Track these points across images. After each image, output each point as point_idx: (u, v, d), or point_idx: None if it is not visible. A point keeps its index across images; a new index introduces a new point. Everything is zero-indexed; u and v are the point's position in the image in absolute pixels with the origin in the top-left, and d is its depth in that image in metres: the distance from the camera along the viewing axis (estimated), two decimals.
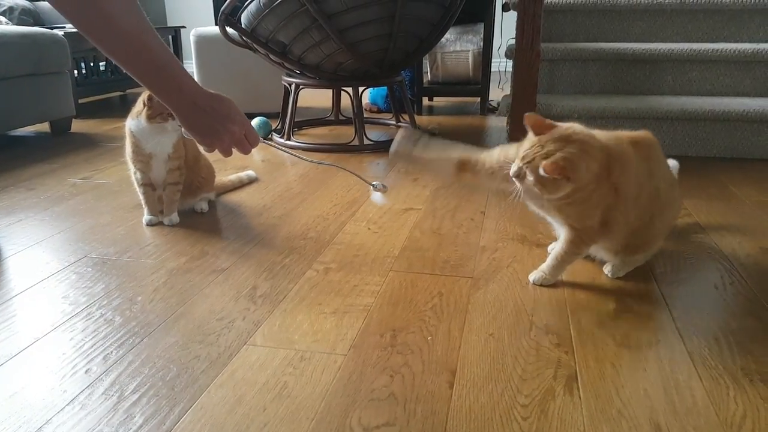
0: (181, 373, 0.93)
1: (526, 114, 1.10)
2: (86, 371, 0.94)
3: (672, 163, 1.42)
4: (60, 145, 2.57)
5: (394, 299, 1.16)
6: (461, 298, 1.16)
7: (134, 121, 1.52)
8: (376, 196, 1.32)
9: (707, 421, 0.81)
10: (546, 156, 1.04)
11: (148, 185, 1.57)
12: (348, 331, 1.04)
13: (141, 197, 1.59)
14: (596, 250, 1.27)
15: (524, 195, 1.14)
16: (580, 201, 1.11)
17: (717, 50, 2.33)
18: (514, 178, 1.10)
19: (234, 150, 1.10)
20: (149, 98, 1.48)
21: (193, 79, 1.00)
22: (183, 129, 1.04)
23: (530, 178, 1.07)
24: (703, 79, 2.42)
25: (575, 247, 1.18)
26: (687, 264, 1.32)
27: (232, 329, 1.06)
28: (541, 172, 1.03)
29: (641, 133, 1.21)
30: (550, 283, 1.21)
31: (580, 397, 0.86)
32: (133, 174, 1.60)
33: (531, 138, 1.10)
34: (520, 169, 1.08)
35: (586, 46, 2.46)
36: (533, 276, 1.23)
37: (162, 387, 0.89)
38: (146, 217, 1.59)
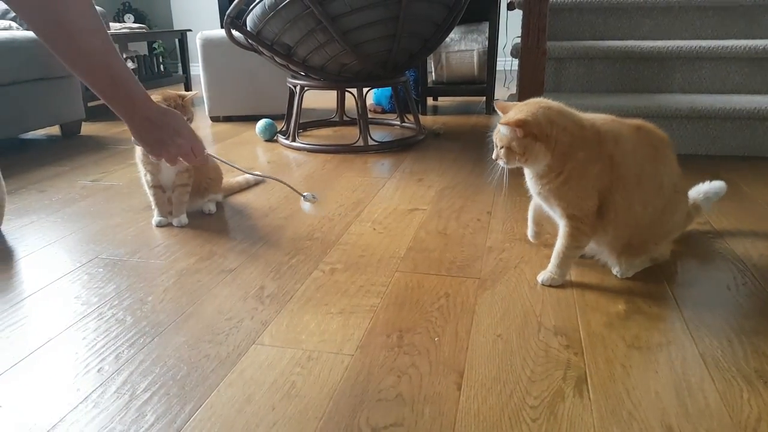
0: (191, 372, 0.93)
1: (495, 101, 1.18)
2: (99, 370, 0.94)
3: (718, 185, 1.41)
4: (70, 148, 2.59)
5: (401, 300, 1.16)
6: (468, 299, 1.16)
7: None
8: (306, 206, 1.50)
9: (720, 424, 0.81)
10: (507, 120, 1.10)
11: (157, 187, 1.59)
12: (355, 332, 1.05)
13: (151, 199, 1.61)
14: (600, 252, 1.26)
15: (530, 186, 1.19)
16: (576, 177, 1.11)
17: (727, 47, 2.32)
18: (497, 161, 1.15)
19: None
20: None
21: (148, 96, 1.06)
22: (133, 138, 1.11)
23: (502, 150, 1.12)
24: (714, 76, 2.40)
25: (575, 240, 1.17)
26: (698, 264, 1.31)
27: (240, 329, 1.06)
28: (501, 129, 1.09)
29: (648, 123, 1.20)
30: (558, 283, 1.21)
31: (590, 399, 0.86)
32: (143, 176, 1.61)
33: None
34: (496, 149, 1.15)
35: (593, 44, 2.46)
36: (541, 276, 1.23)
37: (173, 386, 0.90)
38: (156, 218, 1.60)
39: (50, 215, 1.69)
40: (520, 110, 1.11)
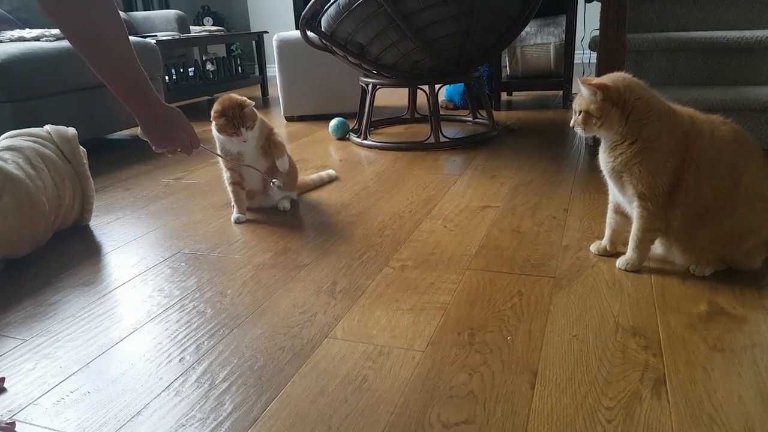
0: (267, 363, 0.97)
1: (578, 77, 1.20)
2: (180, 360, 0.99)
3: None
4: None
5: (472, 298, 1.15)
6: (542, 298, 1.14)
7: (213, 130, 1.64)
8: (274, 191, 1.65)
9: None
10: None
11: (237, 184, 1.67)
12: (425, 328, 1.05)
13: (231, 195, 1.69)
14: (671, 250, 1.23)
15: (603, 167, 1.21)
16: (649, 150, 1.13)
17: None
18: (576, 128, 1.20)
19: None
20: (215, 114, 1.60)
21: (158, 96, 1.18)
22: (140, 131, 1.21)
23: (580, 117, 1.16)
24: None
25: (646, 222, 1.18)
26: None
27: (314, 322, 1.09)
28: (584, 91, 1.15)
29: (737, 127, 1.17)
30: (636, 268, 1.22)
31: (668, 401, 0.83)
32: (224, 173, 1.69)
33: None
34: (575, 115, 1.19)
35: (676, 35, 2.34)
36: (619, 261, 1.24)
37: (250, 376, 0.94)
38: (235, 215, 1.67)
39: (135, 212, 1.79)
40: (603, 78, 1.16)
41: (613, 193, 1.27)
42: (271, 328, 1.08)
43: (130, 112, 1.17)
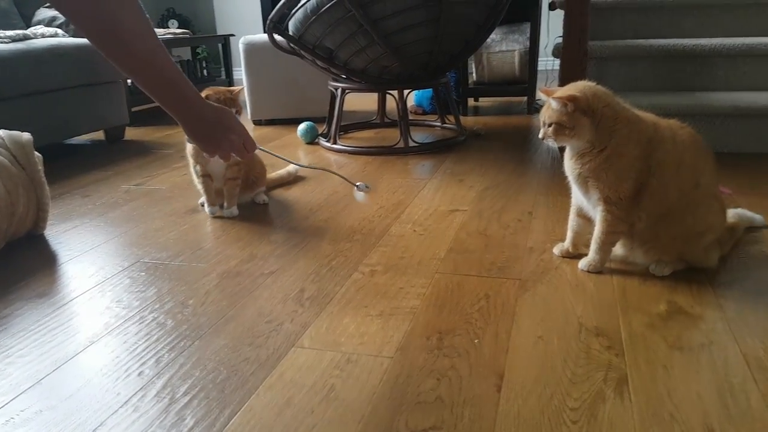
0: (230, 375, 0.95)
1: (539, 88, 1.25)
2: (139, 374, 0.97)
3: (758, 218, 1.44)
4: (114, 153, 2.67)
5: (441, 301, 1.16)
6: (509, 300, 1.15)
7: None
8: (359, 195, 1.52)
9: (764, 425, 0.78)
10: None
11: (206, 176, 1.69)
12: (394, 334, 1.05)
13: (200, 188, 1.71)
14: (633, 252, 1.26)
15: (569, 174, 1.23)
16: (617, 155, 1.15)
17: None
18: (545, 140, 1.20)
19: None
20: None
21: (198, 94, 1.09)
22: (186, 137, 1.13)
23: (551, 128, 1.17)
24: (757, 73, 2.32)
25: (611, 225, 1.20)
26: (740, 263, 1.27)
27: (280, 332, 1.07)
28: (552, 103, 1.15)
29: (692, 129, 1.22)
30: (598, 269, 1.24)
31: (630, 401, 0.84)
32: (193, 167, 1.71)
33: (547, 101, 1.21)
34: (544, 127, 1.19)
35: (635, 43, 2.40)
36: (581, 263, 1.26)
37: (212, 389, 0.92)
38: (208, 208, 1.72)
39: (93, 220, 1.75)
40: (568, 88, 1.17)
41: (577, 197, 1.29)
42: (235, 339, 1.06)
43: (170, 115, 1.07)
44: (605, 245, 1.23)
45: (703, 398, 0.84)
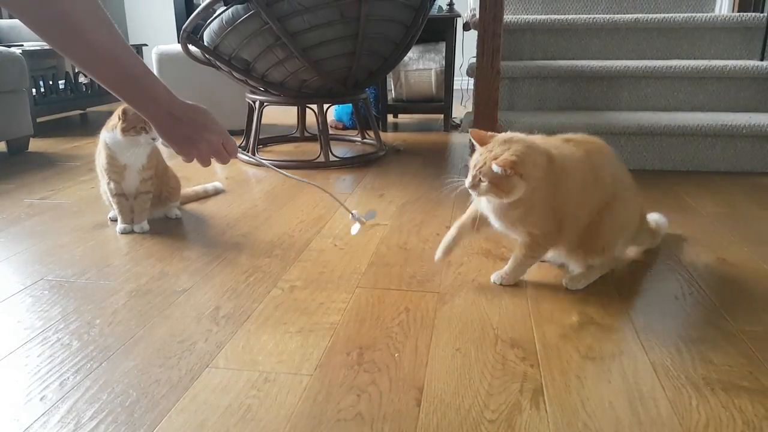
0: (140, 398, 0.90)
1: (470, 129, 1.22)
2: (41, 398, 0.90)
3: (661, 219, 1.51)
4: (16, 165, 2.50)
5: (361, 316, 1.15)
6: (428, 313, 1.16)
7: (109, 133, 1.57)
8: (355, 227, 1.33)
9: (671, 431, 0.82)
10: (495, 157, 1.13)
11: (121, 195, 1.62)
12: (314, 351, 1.03)
13: (114, 207, 1.63)
14: (554, 254, 1.32)
15: (488, 213, 1.23)
16: (539, 205, 1.18)
17: (671, 67, 2.41)
18: (470, 190, 1.18)
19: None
20: (124, 111, 1.52)
21: (169, 90, 1.00)
22: (161, 139, 1.04)
23: (484, 183, 1.14)
24: (659, 94, 2.49)
25: (532, 251, 1.24)
26: (647, 275, 1.35)
27: (193, 352, 1.03)
28: (495, 168, 1.11)
29: (587, 138, 1.29)
30: (509, 283, 1.28)
31: (546, 411, 0.86)
32: (106, 185, 1.63)
33: (478, 149, 1.19)
34: (474, 177, 1.16)
35: (545, 63, 2.52)
36: (494, 276, 1.29)
37: (121, 413, 0.86)
38: (120, 225, 1.64)
39: None
40: (506, 147, 1.14)
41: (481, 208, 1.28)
42: (145, 360, 1.00)
43: (139, 114, 0.97)
44: (523, 266, 1.27)
45: (615, 407, 0.88)
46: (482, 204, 1.25)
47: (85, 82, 3.63)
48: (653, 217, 1.51)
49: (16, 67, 2.62)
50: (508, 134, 1.18)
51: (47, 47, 3.35)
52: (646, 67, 2.43)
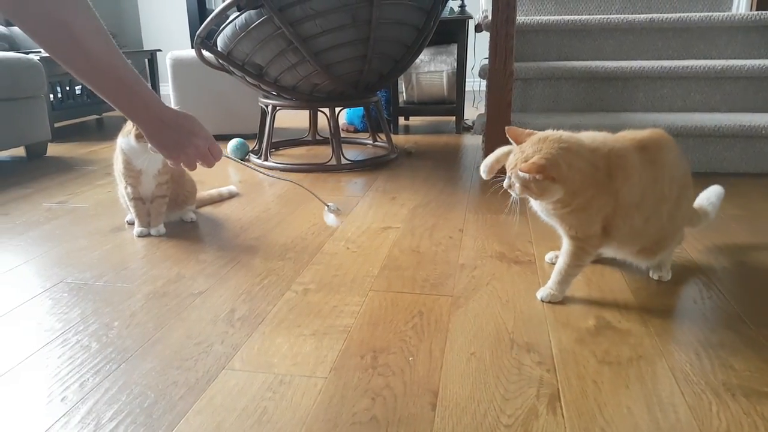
0: (158, 399, 0.91)
1: (507, 127, 1.16)
2: (62, 399, 0.91)
3: (717, 190, 1.46)
4: (35, 170, 2.53)
5: (375, 319, 1.15)
6: (442, 317, 1.16)
7: (124, 139, 1.59)
8: (330, 218, 1.45)
9: None
10: (525, 160, 1.08)
11: (138, 199, 1.64)
12: (328, 353, 1.03)
13: (132, 211, 1.65)
14: (616, 253, 1.29)
15: (534, 205, 1.20)
16: (582, 209, 1.13)
17: (687, 67, 2.39)
18: (508, 190, 1.14)
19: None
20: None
21: (159, 98, 1.05)
22: (150, 144, 1.09)
23: (517, 185, 1.11)
24: (675, 95, 2.47)
25: (577, 259, 1.18)
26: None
27: (210, 354, 1.04)
28: (520, 174, 1.07)
29: (649, 134, 1.22)
30: (558, 300, 1.21)
31: (563, 416, 0.86)
32: (123, 189, 1.65)
33: (514, 148, 1.14)
34: (509, 179, 1.13)
35: (559, 64, 2.51)
36: (540, 293, 1.23)
37: (140, 414, 0.87)
38: (137, 229, 1.66)
39: (13, 239, 1.64)
40: (537, 149, 1.08)
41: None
42: (162, 362, 1.01)
43: (130, 120, 1.02)
44: (568, 277, 1.20)
45: (633, 412, 0.87)
46: (533, 202, 1.21)
47: None
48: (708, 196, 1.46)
49: (34, 73, 2.65)
50: (546, 132, 1.11)
51: None
52: (661, 67, 2.41)
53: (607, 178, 1.12)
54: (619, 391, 0.92)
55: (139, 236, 1.64)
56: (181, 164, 1.14)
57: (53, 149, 2.97)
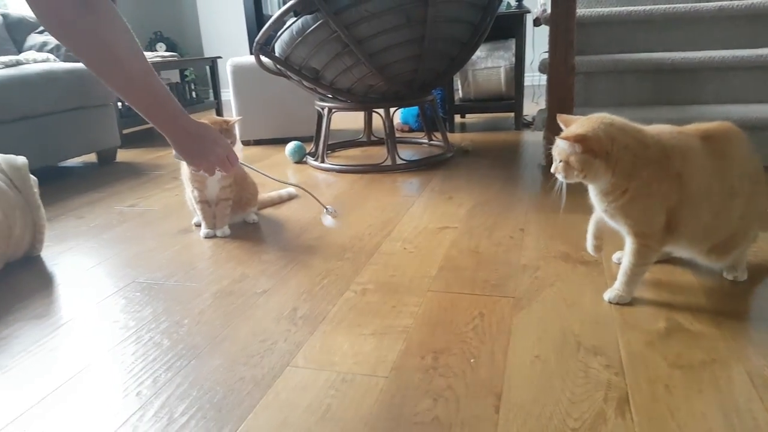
0: (227, 395, 0.94)
1: (558, 114, 1.16)
2: (137, 394, 0.95)
3: None
4: (106, 175, 2.66)
5: (434, 320, 1.15)
6: (504, 318, 1.14)
7: None
8: (327, 219, 1.58)
9: None
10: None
11: (204, 202, 1.71)
12: (388, 353, 1.04)
13: (198, 213, 1.73)
14: (685, 252, 1.23)
15: (594, 202, 1.16)
16: (642, 196, 1.08)
17: (761, 56, 2.27)
18: (556, 175, 1.12)
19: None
20: None
21: (185, 111, 1.14)
22: (174, 152, 1.18)
23: (560, 163, 1.09)
24: (747, 86, 2.35)
25: (641, 258, 1.14)
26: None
27: (274, 351, 1.06)
28: (561, 144, 1.07)
29: (715, 126, 1.16)
30: (626, 301, 1.17)
31: (632, 420, 0.83)
32: (191, 192, 1.72)
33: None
34: (556, 162, 1.11)
35: (622, 57, 2.43)
36: (607, 295, 1.19)
37: (209, 409, 0.90)
38: (204, 230, 1.72)
39: (88, 241, 1.73)
40: (581, 125, 1.08)
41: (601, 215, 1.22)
42: (230, 358, 1.05)
43: (159, 131, 1.13)
44: (635, 276, 1.16)
45: (707, 417, 0.83)
46: (591, 198, 1.18)
47: None
48: None
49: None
50: (597, 114, 1.09)
51: None
52: (733, 57, 2.29)
53: (665, 159, 1.08)
54: (692, 396, 0.88)
55: (205, 237, 1.70)
56: (202, 171, 1.25)
57: (122, 155, 3.11)
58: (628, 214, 1.11)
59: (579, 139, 1.04)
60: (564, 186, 1.14)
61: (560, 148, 1.09)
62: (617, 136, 1.06)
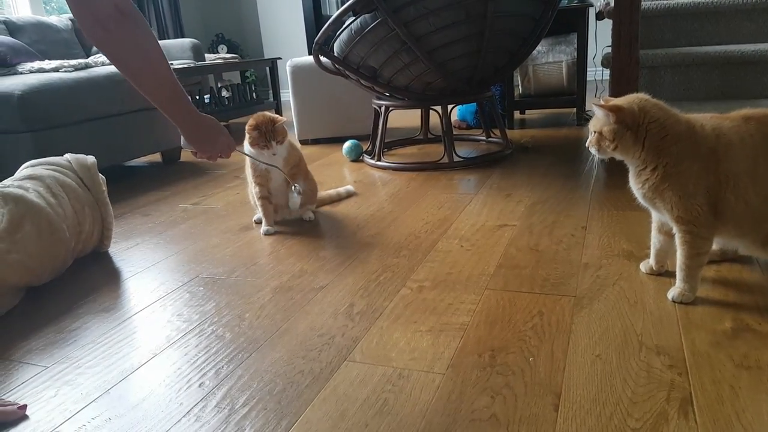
0: (286, 387, 0.96)
1: (603, 97, 1.21)
2: (200, 385, 0.99)
3: None
4: (171, 174, 2.76)
5: (492, 318, 1.14)
6: (564, 317, 1.12)
7: (246, 144, 1.75)
8: (294, 198, 1.74)
9: None
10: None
11: (265, 198, 1.77)
12: (445, 350, 1.04)
13: (259, 209, 1.78)
14: (740, 243, 1.18)
15: (634, 190, 1.17)
16: (673, 174, 1.08)
17: None
18: (590, 148, 1.17)
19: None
20: (247, 129, 1.71)
21: (195, 107, 1.27)
22: (183, 140, 1.31)
23: (593, 137, 1.14)
24: None
25: (692, 247, 1.10)
26: None
27: (332, 345, 1.08)
28: (597, 113, 1.12)
29: (762, 110, 1.12)
30: (690, 299, 1.13)
31: (696, 422, 0.81)
32: (252, 188, 1.79)
33: None
34: (591, 135, 1.16)
35: (689, 50, 2.34)
36: (671, 293, 1.16)
37: (270, 401, 0.93)
38: (264, 227, 1.77)
39: (154, 237, 1.81)
40: (619, 99, 1.13)
41: (655, 212, 1.21)
42: (289, 352, 1.07)
43: (173, 124, 1.26)
44: (692, 270, 1.12)
45: None
46: (631, 185, 1.17)
47: (227, 95, 3.93)
48: None
49: None
50: (634, 94, 1.14)
51: (193, 65, 3.67)
52: None
53: (696, 135, 1.08)
54: (760, 398, 0.84)
55: (265, 234, 1.74)
56: (206, 156, 1.38)
57: (186, 155, 3.22)
58: (663, 196, 1.10)
59: (613, 109, 1.09)
60: (597, 161, 1.17)
61: (596, 118, 1.13)
62: (650, 110, 1.10)
